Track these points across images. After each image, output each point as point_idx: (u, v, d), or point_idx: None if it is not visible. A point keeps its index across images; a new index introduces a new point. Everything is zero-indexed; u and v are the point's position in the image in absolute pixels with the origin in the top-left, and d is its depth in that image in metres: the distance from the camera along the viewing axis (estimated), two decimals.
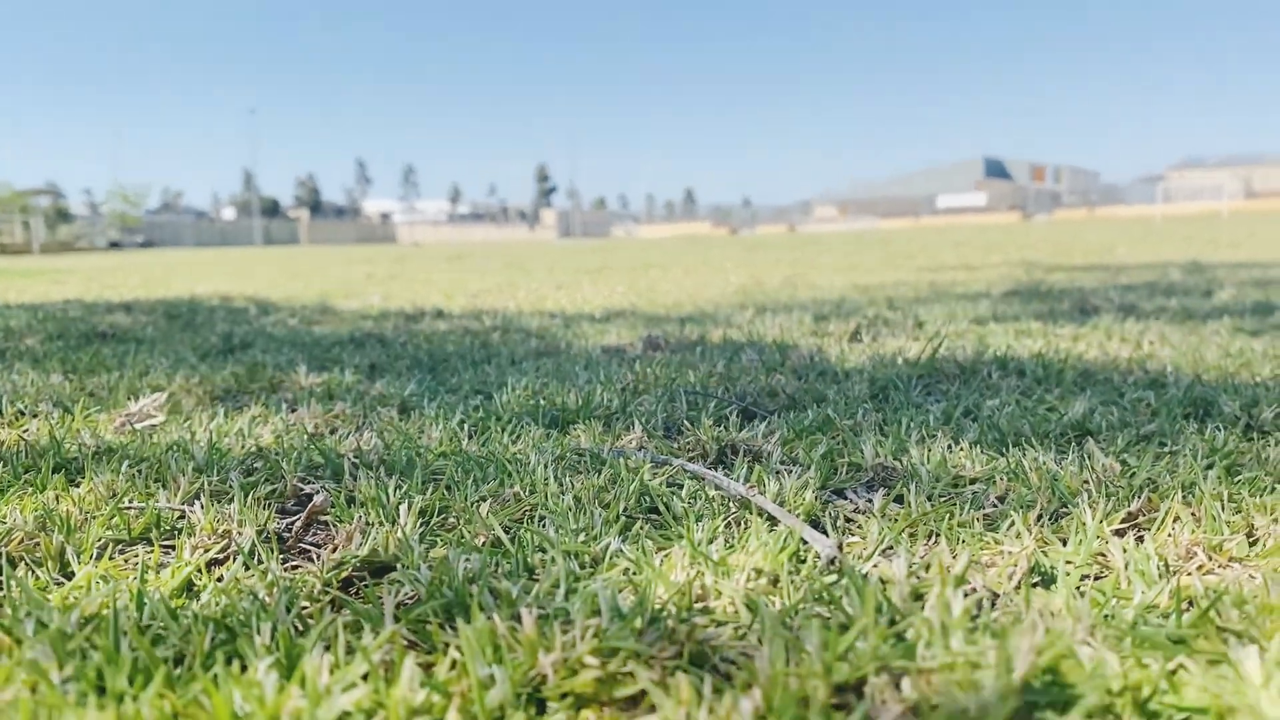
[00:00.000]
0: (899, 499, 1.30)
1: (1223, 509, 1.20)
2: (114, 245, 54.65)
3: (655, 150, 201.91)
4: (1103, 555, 1.10)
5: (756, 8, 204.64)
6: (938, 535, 1.17)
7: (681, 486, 1.36)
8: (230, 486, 1.35)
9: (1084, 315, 3.43)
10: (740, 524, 1.21)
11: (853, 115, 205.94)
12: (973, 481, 1.38)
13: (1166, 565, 1.07)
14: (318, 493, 1.31)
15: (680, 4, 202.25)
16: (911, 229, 43.19)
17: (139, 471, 1.43)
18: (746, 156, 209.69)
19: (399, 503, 1.27)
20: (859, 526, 1.21)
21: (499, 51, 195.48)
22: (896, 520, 1.20)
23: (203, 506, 1.24)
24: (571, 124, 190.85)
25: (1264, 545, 1.11)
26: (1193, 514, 1.20)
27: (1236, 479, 1.33)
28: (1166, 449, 1.52)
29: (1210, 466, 1.39)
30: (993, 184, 79.35)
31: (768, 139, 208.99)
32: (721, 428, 1.71)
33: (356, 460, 1.51)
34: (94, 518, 1.23)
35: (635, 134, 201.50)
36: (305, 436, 1.69)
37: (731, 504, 1.28)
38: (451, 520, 1.25)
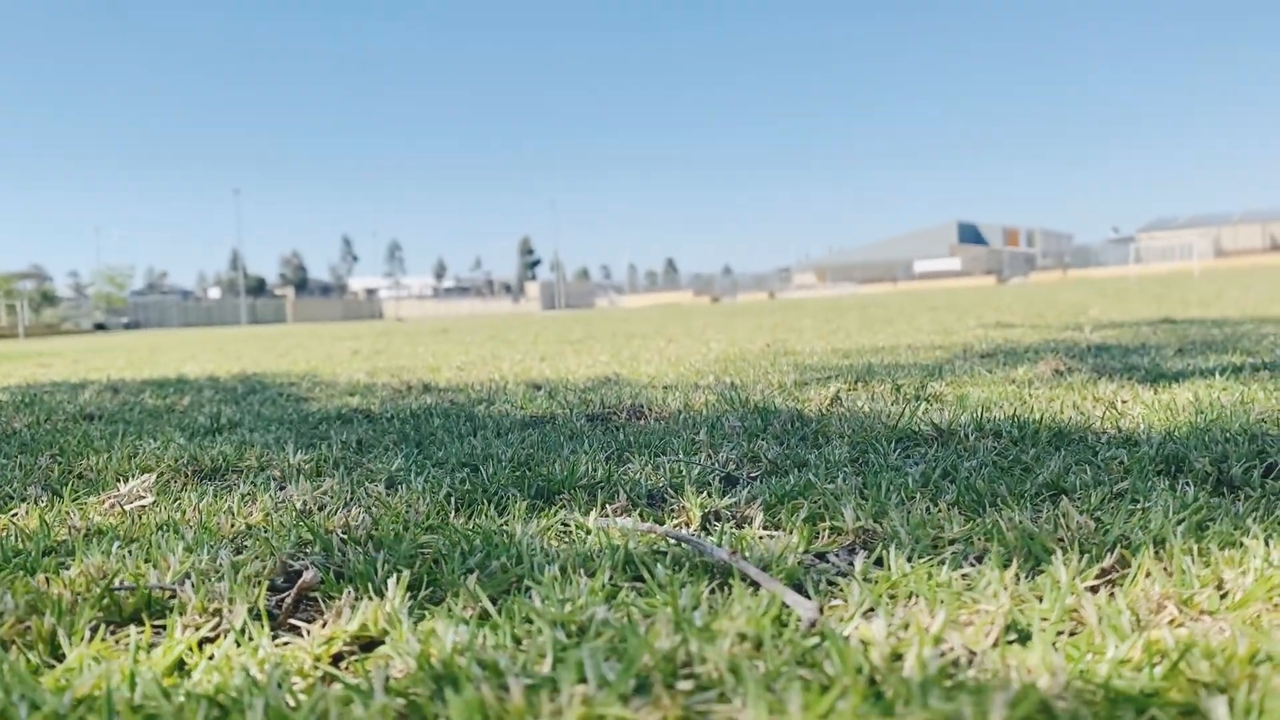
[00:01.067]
0: (879, 561, 1.33)
1: (1193, 563, 1.24)
2: (99, 327, 54.63)
3: (637, 221, 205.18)
4: (1077, 611, 1.12)
5: (735, 83, 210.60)
6: (917, 596, 1.19)
7: (666, 554, 1.38)
8: (220, 565, 1.37)
9: (1058, 375, 3.50)
10: (724, 589, 1.23)
11: (829, 183, 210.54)
12: (951, 542, 1.41)
13: (1138, 619, 1.10)
14: (307, 569, 1.33)
15: (660, 77, 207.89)
16: (889, 294, 43.79)
17: (129, 552, 1.44)
18: (726, 226, 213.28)
19: (387, 577, 1.29)
20: (841, 589, 1.23)
21: (483, 127, 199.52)
22: (877, 582, 1.23)
23: (193, 585, 1.25)
24: (554, 197, 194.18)
25: (1233, 598, 1.15)
26: (1164, 569, 1.24)
27: (1206, 533, 1.37)
28: (1139, 505, 1.55)
29: (1181, 522, 1.42)
30: (967, 248, 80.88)
31: (747, 208, 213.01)
32: (705, 494, 1.74)
33: (345, 536, 1.53)
34: (85, 599, 1.24)
35: (617, 206, 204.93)
36: (294, 514, 1.71)
37: (715, 570, 1.31)
38: (439, 593, 1.26)
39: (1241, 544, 1.30)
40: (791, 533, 1.46)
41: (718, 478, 1.92)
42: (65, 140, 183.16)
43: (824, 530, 1.49)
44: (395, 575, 1.28)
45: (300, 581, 1.24)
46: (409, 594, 1.24)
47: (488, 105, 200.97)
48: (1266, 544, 1.28)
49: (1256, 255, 64.60)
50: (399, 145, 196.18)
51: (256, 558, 1.43)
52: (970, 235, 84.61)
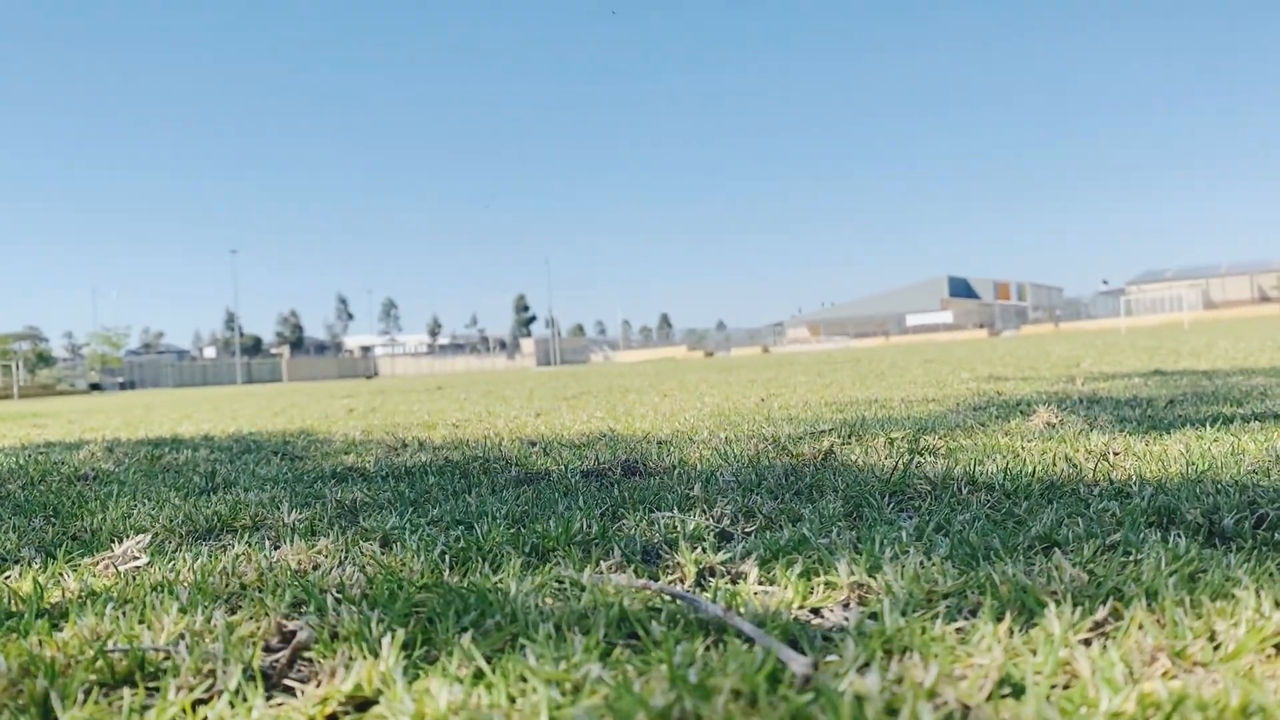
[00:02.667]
0: (874, 615, 1.34)
1: (1185, 614, 1.25)
2: (94, 387, 54.63)
3: (631, 278, 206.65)
4: (1070, 664, 1.13)
5: (728, 141, 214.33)
6: (911, 650, 1.20)
7: (660, 610, 1.38)
8: (214, 626, 1.36)
9: (1051, 428, 3.52)
10: (719, 646, 1.23)
11: (821, 238, 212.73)
12: (945, 596, 1.42)
13: (1132, 672, 1.10)
14: (301, 629, 1.32)
15: (654, 135, 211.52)
16: (882, 347, 44.05)
17: (123, 614, 1.44)
18: (720, 281, 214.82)
19: (381, 636, 1.28)
20: (835, 644, 1.24)
21: (477, 185, 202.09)
22: (872, 637, 1.23)
23: (187, 646, 1.25)
24: (549, 254, 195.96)
25: (1226, 649, 1.15)
26: (1157, 620, 1.24)
27: (1198, 585, 1.37)
28: (1131, 557, 1.56)
29: (1173, 573, 1.43)
30: (958, 302, 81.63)
31: (740, 264, 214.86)
32: (699, 550, 1.74)
33: (339, 595, 1.53)
34: (78, 662, 1.24)
35: (612, 263, 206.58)
36: (289, 573, 1.71)
37: (710, 626, 1.31)
38: (434, 652, 1.26)
39: (1233, 595, 1.31)
40: (786, 588, 1.47)
41: (712, 533, 1.92)
42: (61, 201, 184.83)
43: (819, 585, 1.50)
44: (390, 634, 1.28)
45: (295, 641, 1.24)
46: (404, 653, 1.23)
47: (482, 163, 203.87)
48: (1258, 595, 1.29)
49: (1245, 306, 65.33)
50: (395, 204, 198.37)
51: (251, 618, 1.43)
52: (961, 289, 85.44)
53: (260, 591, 1.56)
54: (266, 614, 1.44)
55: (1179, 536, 1.67)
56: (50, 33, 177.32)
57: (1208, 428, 3.24)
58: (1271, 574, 1.42)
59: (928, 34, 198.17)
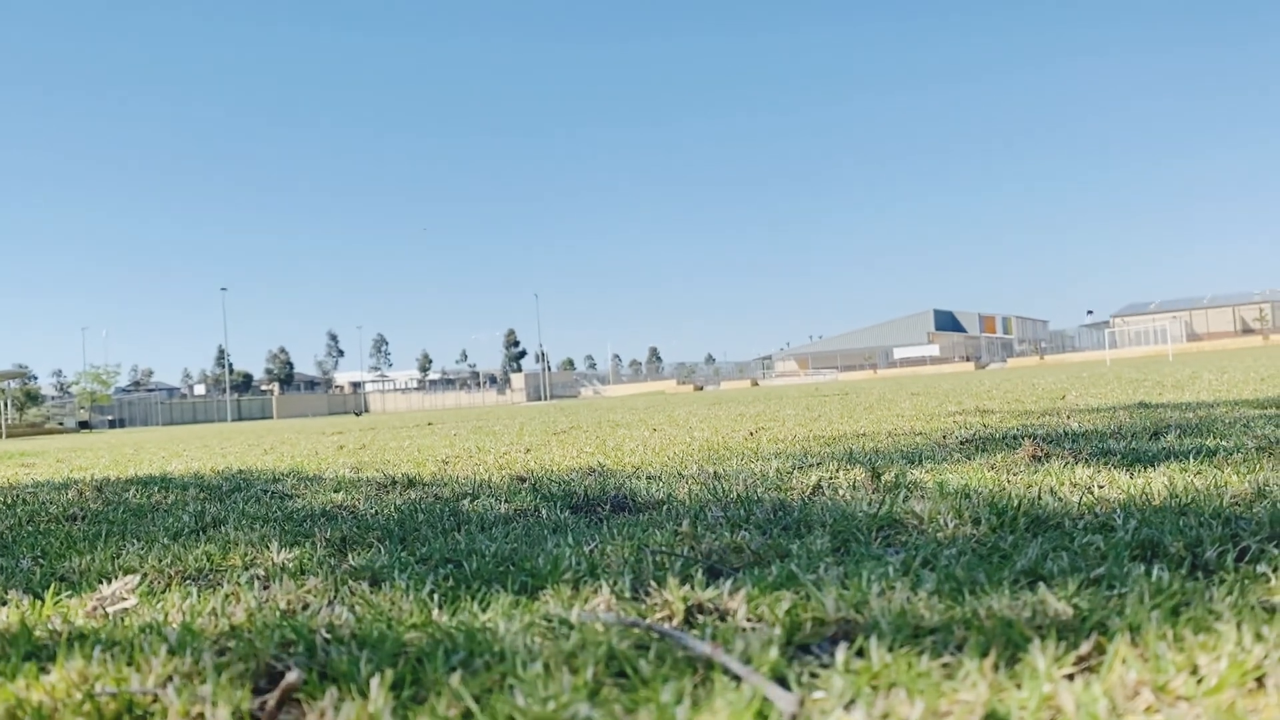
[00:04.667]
0: (861, 652, 1.35)
1: (1168, 648, 1.26)
2: (84, 425, 54.22)
3: (621, 312, 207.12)
4: (1054, 699, 1.14)
5: (714, 177, 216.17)
6: (898, 686, 1.21)
7: (649, 648, 1.39)
8: (203, 667, 1.36)
9: (1036, 461, 3.55)
10: (707, 683, 1.24)
11: (809, 273, 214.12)
12: (931, 631, 1.43)
13: (1115, 707, 1.11)
14: (290, 670, 1.32)
15: (643, 169, 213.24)
16: (870, 380, 44.22)
17: (111, 656, 1.43)
18: (709, 315, 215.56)
19: (370, 676, 1.29)
20: (822, 681, 1.24)
21: (467, 222, 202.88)
22: (859, 673, 1.24)
23: (176, 689, 1.25)
24: (539, 290, 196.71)
25: (1208, 683, 1.17)
26: (1140, 655, 1.26)
27: (1181, 618, 1.39)
28: (1115, 591, 1.58)
29: (1156, 607, 1.45)
30: (945, 335, 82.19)
31: (729, 298, 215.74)
32: (688, 586, 1.75)
33: (329, 635, 1.53)
34: (66, 705, 1.23)
35: (601, 298, 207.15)
36: (278, 613, 1.71)
37: (698, 663, 1.32)
38: (423, 692, 1.27)
39: (1215, 629, 1.33)
40: (774, 625, 1.47)
41: (701, 569, 1.93)
42: (51, 239, 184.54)
43: (806, 621, 1.50)
44: (379, 674, 1.28)
45: (283, 682, 1.24)
46: (392, 693, 1.24)
47: (472, 201, 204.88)
48: (1239, 628, 1.31)
49: (1228, 338, 65.97)
50: (385, 241, 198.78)
51: (240, 659, 1.43)
52: (947, 322, 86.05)
53: (249, 632, 1.56)
54: (255, 655, 1.44)
55: (1162, 569, 1.69)
56: (42, 78, 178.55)
57: (1191, 460, 3.27)
58: (1253, 607, 1.43)
59: (913, 73, 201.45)
